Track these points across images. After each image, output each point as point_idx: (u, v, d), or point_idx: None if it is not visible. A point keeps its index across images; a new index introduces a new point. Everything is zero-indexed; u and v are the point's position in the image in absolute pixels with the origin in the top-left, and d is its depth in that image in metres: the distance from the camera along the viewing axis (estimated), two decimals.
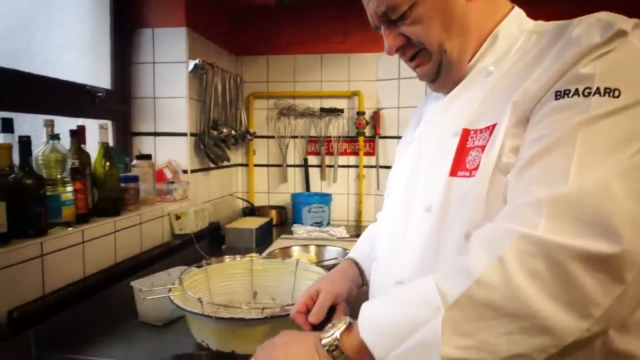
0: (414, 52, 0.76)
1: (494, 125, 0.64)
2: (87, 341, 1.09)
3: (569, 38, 0.60)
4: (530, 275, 0.48)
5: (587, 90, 0.55)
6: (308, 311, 0.87)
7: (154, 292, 1.07)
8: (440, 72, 0.75)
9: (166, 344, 1.07)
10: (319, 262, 1.36)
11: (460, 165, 0.67)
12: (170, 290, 1.02)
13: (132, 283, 1.18)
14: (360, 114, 2.54)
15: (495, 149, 0.61)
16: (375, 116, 2.56)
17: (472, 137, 0.67)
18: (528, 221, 0.50)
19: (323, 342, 0.59)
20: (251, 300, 1.21)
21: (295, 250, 1.49)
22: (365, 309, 0.59)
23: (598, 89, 0.54)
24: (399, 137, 2.53)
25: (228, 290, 1.20)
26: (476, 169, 0.63)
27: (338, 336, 0.59)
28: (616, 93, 0.53)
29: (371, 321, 0.56)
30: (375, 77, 2.58)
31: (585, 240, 0.47)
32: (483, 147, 0.64)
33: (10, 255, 1.06)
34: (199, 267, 1.20)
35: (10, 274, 1.06)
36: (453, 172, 0.67)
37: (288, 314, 0.90)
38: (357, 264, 1.03)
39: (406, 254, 0.72)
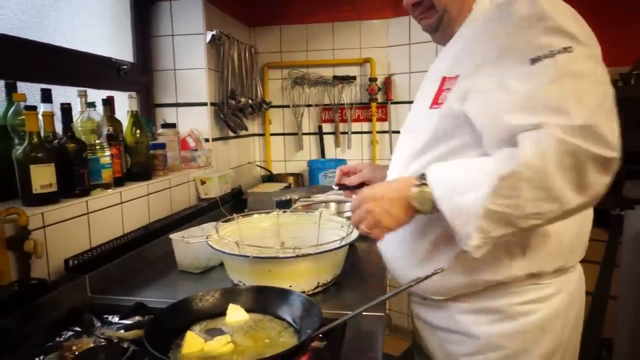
0: (423, 9, 0.99)
1: (457, 76, 0.89)
2: (134, 286, 1.21)
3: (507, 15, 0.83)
4: (560, 166, 0.71)
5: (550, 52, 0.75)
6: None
7: (193, 239, 1.17)
8: (440, 27, 0.99)
9: (205, 286, 1.18)
10: (340, 214, 1.45)
11: (435, 101, 0.93)
12: (208, 237, 1.13)
13: (170, 235, 1.29)
14: (372, 80, 2.60)
15: (457, 91, 0.88)
16: (387, 82, 2.62)
17: (446, 82, 0.91)
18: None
19: (412, 190, 0.84)
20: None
21: (317, 207, 1.58)
22: (432, 170, 0.83)
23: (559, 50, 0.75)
24: (411, 102, 2.59)
25: (258, 241, 1.30)
26: (442, 103, 0.90)
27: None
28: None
29: (438, 176, 0.82)
30: (386, 43, 2.63)
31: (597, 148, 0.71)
32: (449, 90, 0.90)
33: (61, 212, 1.17)
34: (227, 221, 1.30)
35: (62, 228, 1.17)
36: (431, 106, 0.93)
37: (318, 252, 1.00)
38: None
39: (399, 160, 1.02)
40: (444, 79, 0.92)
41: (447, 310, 0.97)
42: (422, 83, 1.06)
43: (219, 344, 0.77)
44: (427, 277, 0.64)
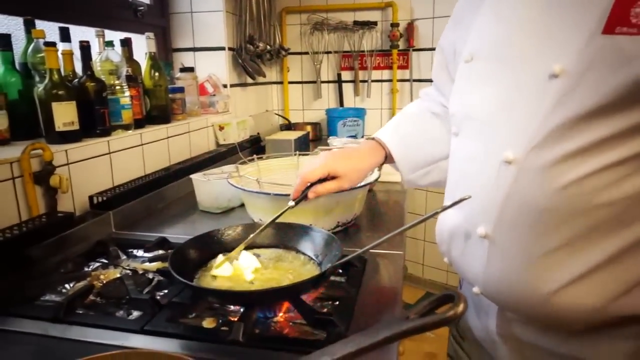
0: None
1: None
2: (156, 224, 1.24)
3: None
4: None
5: None
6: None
7: (215, 177, 1.18)
8: None
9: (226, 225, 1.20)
10: None
11: (621, 19, 0.52)
12: (229, 175, 1.13)
13: (191, 176, 1.30)
14: (394, 25, 2.51)
15: None
16: (410, 28, 2.53)
17: None
18: None
19: None
20: None
21: None
22: None
23: None
24: (434, 49, 2.51)
25: (277, 182, 1.30)
26: None
27: None
28: None
29: None
30: None
31: None
32: None
33: (83, 150, 1.19)
34: (246, 162, 1.30)
35: (85, 166, 1.19)
36: (608, 29, 0.53)
37: (339, 191, 0.99)
38: (384, 146, 0.94)
39: (519, 129, 0.62)
40: None
41: (588, 337, 0.65)
42: None
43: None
44: (454, 204, 0.61)
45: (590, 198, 0.57)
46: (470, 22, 0.73)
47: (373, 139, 0.97)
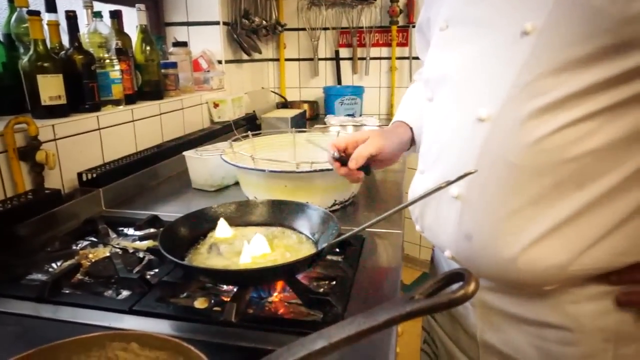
0: None
1: None
2: (148, 202, 1.20)
3: None
4: None
5: None
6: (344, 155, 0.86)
7: (208, 154, 1.14)
8: None
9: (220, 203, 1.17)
10: None
11: None
12: (223, 151, 1.09)
13: (184, 153, 1.26)
14: (394, 1, 2.44)
15: None
16: (410, 3, 2.46)
17: None
18: None
19: None
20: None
21: (334, 130, 1.54)
22: None
23: None
24: None
25: (272, 159, 1.26)
26: None
27: None
28: None
29: None
30: None
31: None
32: None
33: (72, 126, 1.14)
34: (240, 139, 1.26)
35: (73, 142, 1.14)
36: None
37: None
38: (410, 128, 0.93)
39: (492, 87, 0.62)
40: None
41: (552, 300, 0.66)
42: None
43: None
44: (458, 179, 0.58)
45: (558, 153, 0.58)
46: None
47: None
